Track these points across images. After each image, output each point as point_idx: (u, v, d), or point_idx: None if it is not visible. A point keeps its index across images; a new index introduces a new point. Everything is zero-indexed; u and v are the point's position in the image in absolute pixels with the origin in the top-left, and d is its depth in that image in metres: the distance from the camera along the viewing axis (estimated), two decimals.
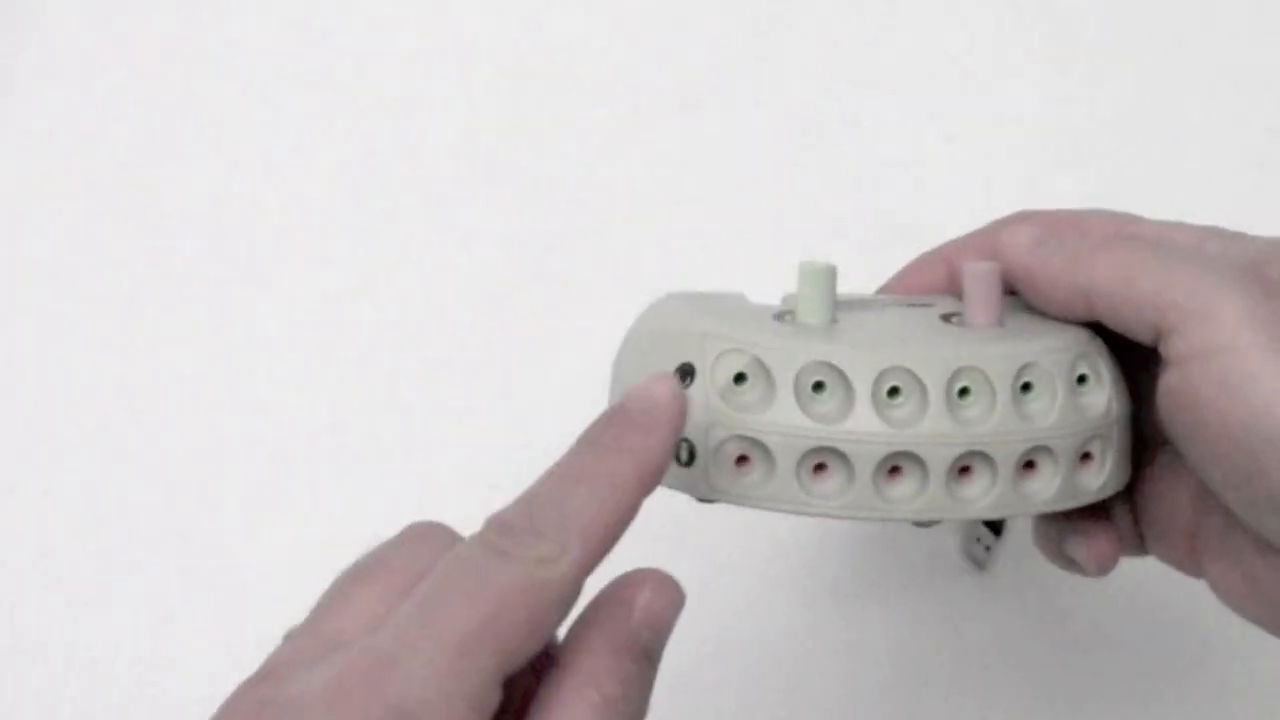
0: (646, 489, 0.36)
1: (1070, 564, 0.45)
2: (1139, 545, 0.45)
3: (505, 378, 0.60)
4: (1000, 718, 0.58)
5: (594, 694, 0.34)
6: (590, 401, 0.58)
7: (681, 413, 0.37)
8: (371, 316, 0.61)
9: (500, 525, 0.35)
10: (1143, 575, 0.57)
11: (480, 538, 0.35)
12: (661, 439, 0.37)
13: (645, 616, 0.36)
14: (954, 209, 0.59)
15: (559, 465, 0.36)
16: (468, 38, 0.63)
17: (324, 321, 0.61)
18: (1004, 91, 0.62)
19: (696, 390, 0.41)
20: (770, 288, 0.58)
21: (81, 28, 0.63)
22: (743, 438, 0.40)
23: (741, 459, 0.40)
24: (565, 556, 0.34)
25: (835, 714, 0.58)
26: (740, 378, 0.40)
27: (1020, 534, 0.58)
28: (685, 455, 0.41)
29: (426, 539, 0.37)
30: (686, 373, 0.41)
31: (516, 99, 0.62)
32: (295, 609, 0.54)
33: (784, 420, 0.40)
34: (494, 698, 0.33)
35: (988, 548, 0.56)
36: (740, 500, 0.41)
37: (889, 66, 0.62)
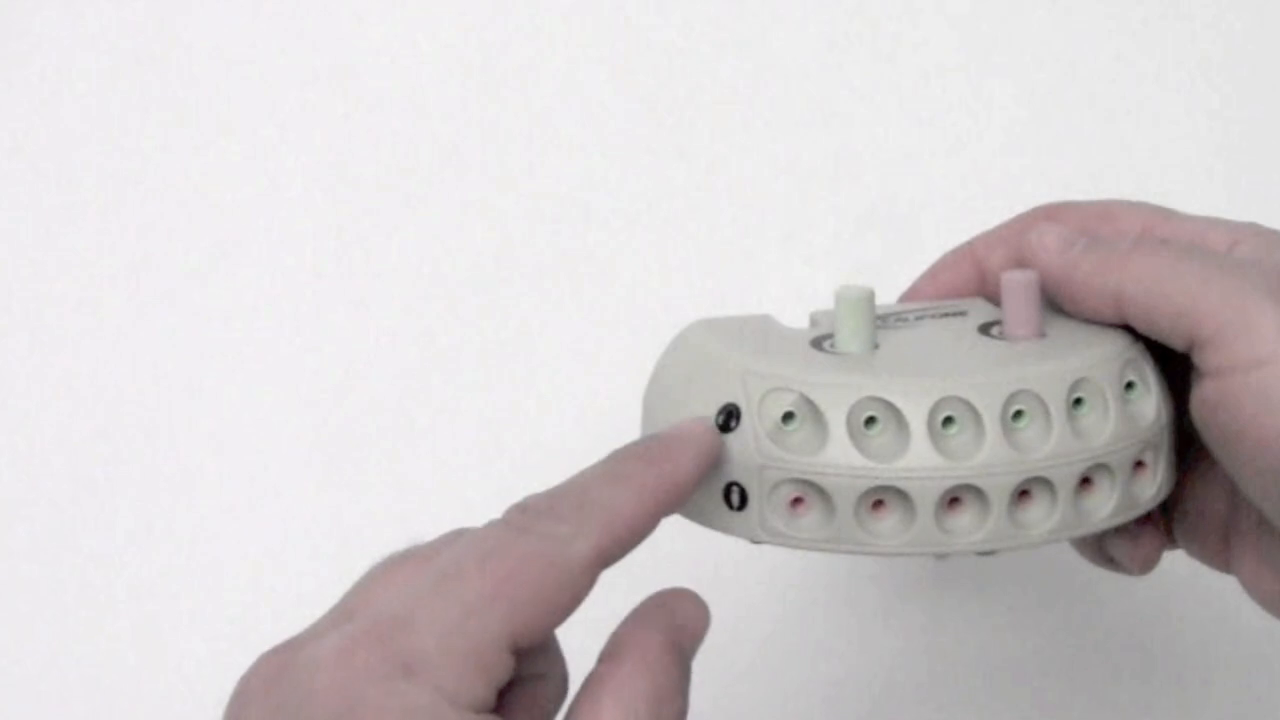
0: (668, 504, 0.37)
1: (1110, 563, 0.45)
2: (1169, 540, 0.45)
3: (496, 379, 0.59)
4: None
5: (647, 682, 0.35)
6: (582, 402, 0.57)
7: (715, 447, 0.39)
8: (364, 318, 0.60)
9: (521, 506, 0.36)
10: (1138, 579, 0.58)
11: (502, 518, 0.36)
12: (690, 460, 0.38)
13: (685, 623, 0.37)
14: (943, 197, 0.59)
15: (587, 467, 0.37)
16: (459, 38, 0.61)
17: (314, 321, 0.60)
18: (994, 81, 0.61)
19: (744, 431, 0.39)
20: (761, 281, 0.57)
21: (61, 24, 0.61)
22: (797, 480, 0.39)
23: (796, 501, 0.39)
24: (581, 538, 0.35)
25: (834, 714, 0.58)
26: (789, 417, 0.39)
27: None
28: (737, 499, 0.40)
29: (460, 535, 0.37)
30: (731, 414, 0.40)
31: (506, 98, 0.61)
32: (288, 606, 0.53)
33: (840, 460, 0.39)
34: (503, 664, 0.33)
35: None
36: (797, 544, 0.40)
37: (879, 60, 0.62)
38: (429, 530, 0.57)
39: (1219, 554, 0.44)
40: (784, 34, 0.61)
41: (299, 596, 0.56)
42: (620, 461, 0.37)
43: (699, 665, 0.56)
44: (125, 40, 0.60)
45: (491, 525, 0.36)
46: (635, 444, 0.38)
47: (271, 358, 0.60)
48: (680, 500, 0.37)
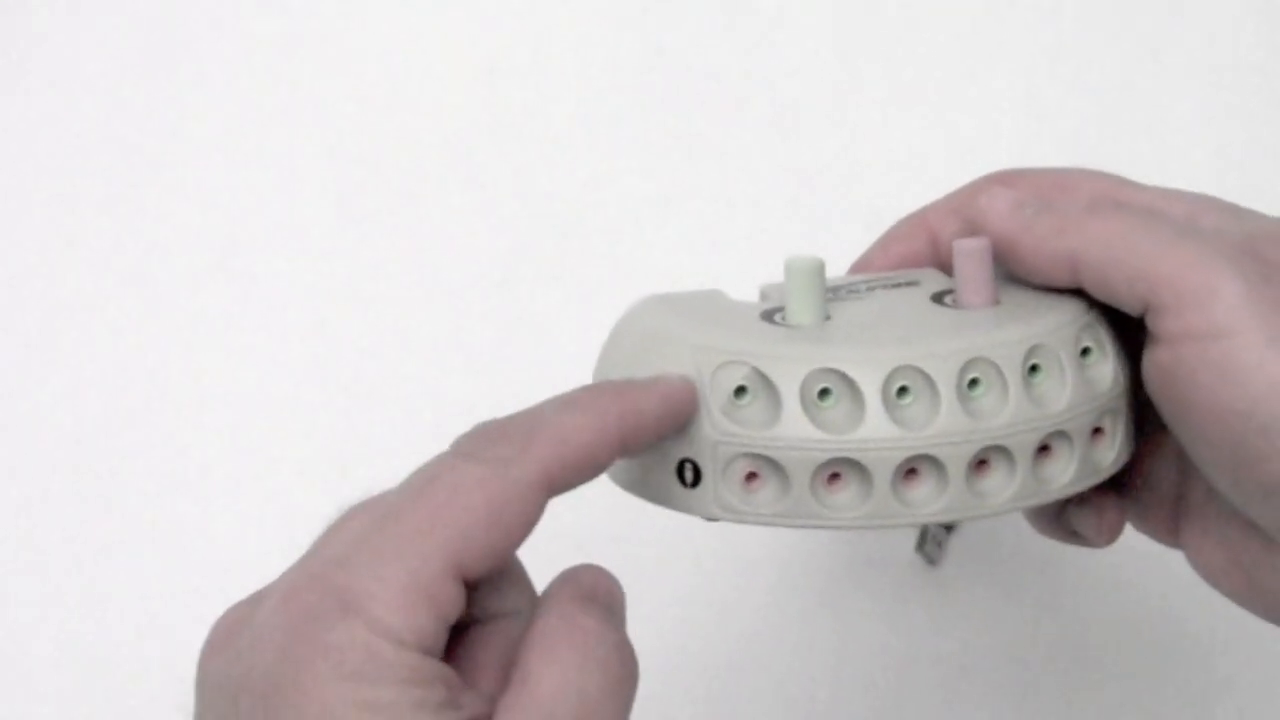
0: (626, 436, 0.36)
1: (1072, 536, 0.44)
2: None
3: (491, 375, 0.59)
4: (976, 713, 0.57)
5: (575, 635, 0.34)
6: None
7: (687, 394, 0.38)
8: (358, 316, 0.60)
9: (469, 433, 0.35)
10: (1111, 565, 0.57)
11: (450, 448, 0.35)
12: (656, 398, 0.37)
13: (593, 583, 0.36)
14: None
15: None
16: (453, 35, 0.62)
17: (311, 320, 0.60)
18: (993, 78, 0.61)
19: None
20: (759, 281, 0.57)
21: (67, 27, 0.61)
22: (751, 454, 0.38)
23: (751, 476, 0.39)
24: (524, 457, 0.34)
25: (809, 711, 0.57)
26: (741, 391, 0.39)
27: (975, 532, 0.57)
28: (690, 476, 0.39)
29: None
30: None
31: (502, 94, 0.61)
32: None
33: (794, 433, 0.38)
34: (449, 595, 0.33)
35: (939, 544, 0.56)
36: (753, 519, 0.39)
37: (876, 58, 0.62)
38: None
39: (1168, 528, 0.43)
40: (790, 36, 0.61)
41: None
42: (581, 390, 0.37)
43: (675, 658, 0.57)
44: (133, 41, 0.61)
45: (438, 456, 0.35)
46: (604, 380, 0.38)
47: (274, 356, 0.60)
48: (641, 436, 0.37)
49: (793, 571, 0.58)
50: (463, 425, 0.57)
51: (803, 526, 0.39)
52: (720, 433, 0.38)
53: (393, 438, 0.59)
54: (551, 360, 0.58)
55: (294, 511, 0.58)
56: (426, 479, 0.34)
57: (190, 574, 0.58)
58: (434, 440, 0.58)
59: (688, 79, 0.61)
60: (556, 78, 0.61)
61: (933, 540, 0.55)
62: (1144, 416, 0.42)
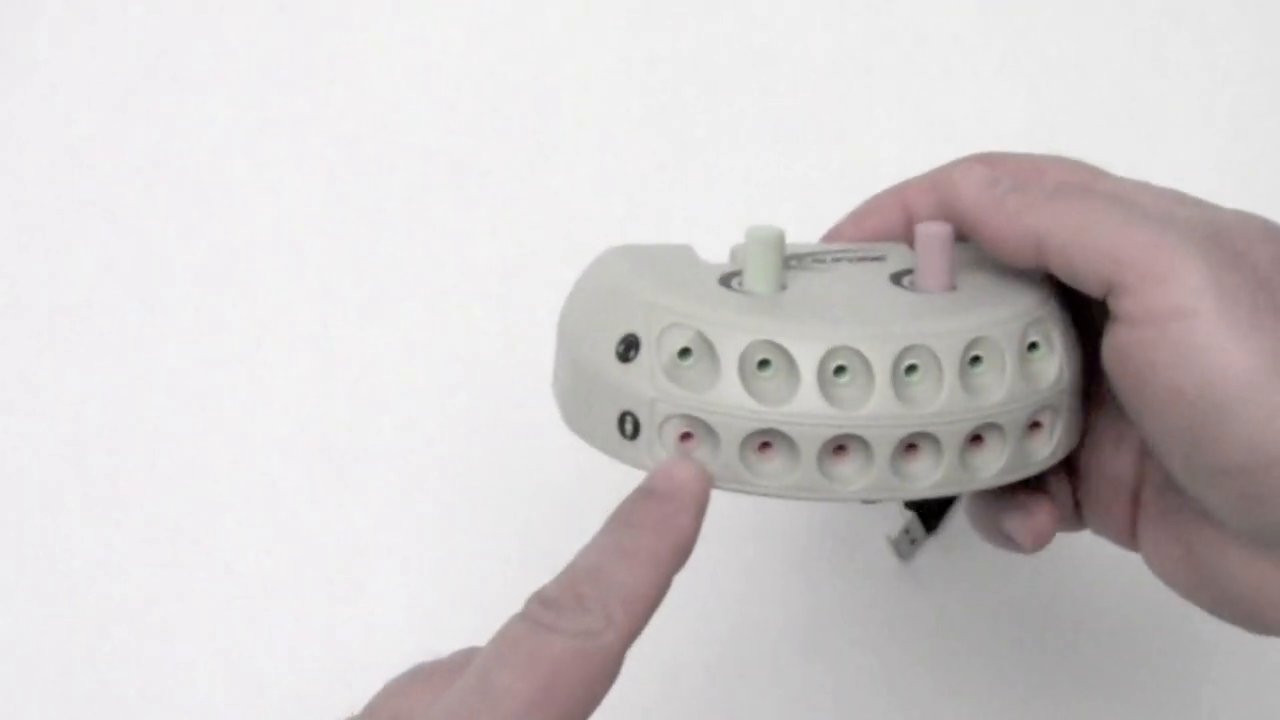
0: (679, 565, 0.38)
1: (1006, 540, 0.44)
2: (1076, 519, 0.45)
3: (493, 374, 0.60)
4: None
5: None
6: None
7: (706, 492, 0.39)
8: (360, 319, 0.60)
9: (545, 600, 0.36)
10: (1082, 561, 0.57)
11: (525, 614, 0.36)
12: (691, 518, 0.38)
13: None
14: None
15: (595, 542, 0.38)
16: (453, 40, 0.62)
17: (316, 322, 0.60)
18: (988, 81, 0.61)
19: (641, 363, 0.40)
20: None
21: (72, 32, 0.62)
22: (686, 416, 0.40)
23: (685, 436, 0.40)
24: (610, 629, 0.36)
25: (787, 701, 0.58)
26: (685, 352, 0.40)
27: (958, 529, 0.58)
28: (630, 429, 0.40)
29: (472, 655, 0.38)
30: (631, 344, 0.40)
31: (503, 96, 0.62)
32: (289, 612, 0.58)
33: (727, 400, 0.39)
34: None
35: (913, 541, 0.56)
36: None
37: (876, 56, 0.62)
38: (435, 531, 0.59)
39: (1125, 528, 0.44)
40: (794, 37, 0.62)
41: (307, 603, 0.58)
42: (630, 533, 0.38)
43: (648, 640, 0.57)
44: (137, 47, 0.62)
45: (517, 623, 0.36)
46: (638, 507, 0.39)
47: (276, 360, 0.60)
48: (687, 557, 0.38)
49: (761, 553, 0.58)
50: (464, 426, 0.59)
51: (730, 490, 0.40)
52: (660, 391, 0.39)
53: (394, 441, 0.59)
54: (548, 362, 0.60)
55: (293, 513, 0.59)
56: (523, 656, 0.35)
57: (190, 575, 0.59)
58: (433, 441, 0.59)
59: (689, 80, 0.61)
60: (558, 79, 0.61)
61: (906, 537, 0.56)
62: (1100, 412, 0.43)
